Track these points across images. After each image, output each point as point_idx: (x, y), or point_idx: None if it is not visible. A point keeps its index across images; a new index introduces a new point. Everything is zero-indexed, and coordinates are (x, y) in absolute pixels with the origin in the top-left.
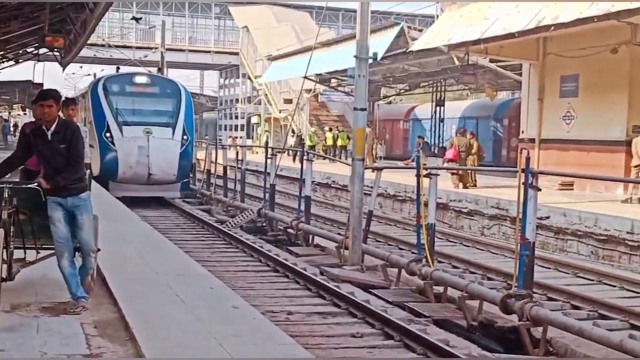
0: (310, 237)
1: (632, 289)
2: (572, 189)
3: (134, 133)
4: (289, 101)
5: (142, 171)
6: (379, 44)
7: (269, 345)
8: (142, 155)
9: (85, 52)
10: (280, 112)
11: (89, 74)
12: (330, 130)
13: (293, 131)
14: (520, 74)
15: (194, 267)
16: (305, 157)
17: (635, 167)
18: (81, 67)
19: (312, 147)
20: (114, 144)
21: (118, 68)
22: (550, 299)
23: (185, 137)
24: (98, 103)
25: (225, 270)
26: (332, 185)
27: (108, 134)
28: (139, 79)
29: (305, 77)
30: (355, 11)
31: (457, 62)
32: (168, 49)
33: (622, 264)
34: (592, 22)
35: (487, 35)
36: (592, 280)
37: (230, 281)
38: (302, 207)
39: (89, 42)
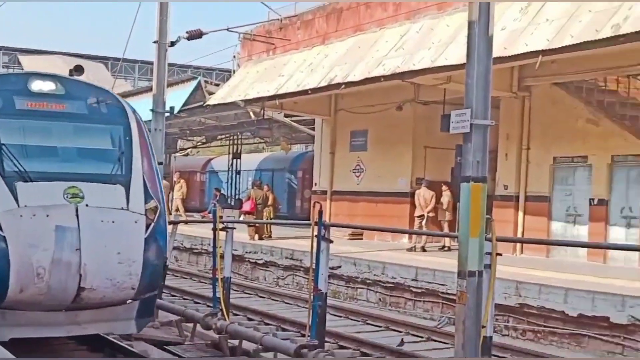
0: None
1: (417, 334)
2: (362, 239)
3: (43, 198)
4: None
5: (64, 283)
6: (176, 97)
7: None
8: (64, 246)
9: None
10: None
11: None
12: None
13: None
14: (314, 129)
15: None
16: None
17: (418, 217)
18: None
19: None
20: None
21: None
22: (341, 347)
23: (149, 202)
24: None
25: None
26: None
27: None
28: (43, 85)
29: None
30: (152, 63)
31: (253, 116)
32: None
33: (408, 310)
34: (379, 82)
35: (282, 92)
36: (380, 326)
37: None
38: None
39: None
